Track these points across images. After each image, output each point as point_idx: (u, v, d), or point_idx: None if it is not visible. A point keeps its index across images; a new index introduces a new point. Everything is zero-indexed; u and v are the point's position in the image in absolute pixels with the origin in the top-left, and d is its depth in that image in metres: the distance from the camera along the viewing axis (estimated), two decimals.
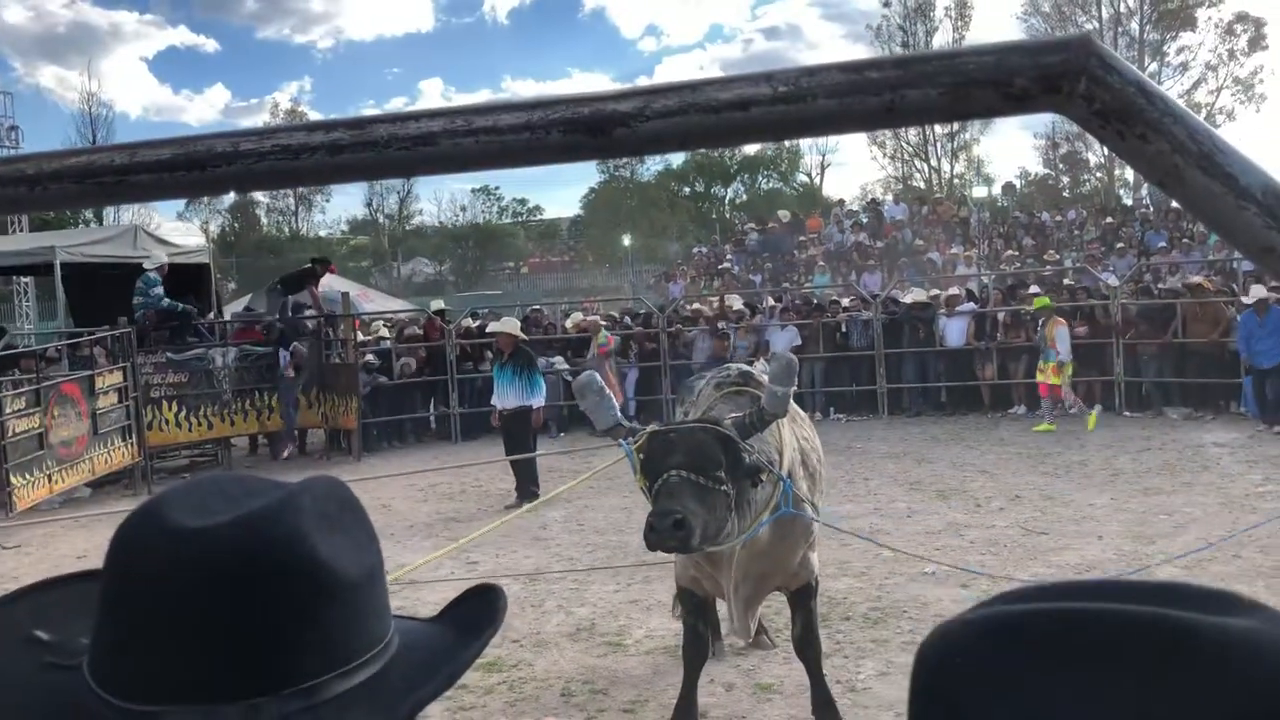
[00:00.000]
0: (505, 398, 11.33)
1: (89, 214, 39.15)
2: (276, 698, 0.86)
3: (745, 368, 5.49)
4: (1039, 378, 14.08)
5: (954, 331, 16.15)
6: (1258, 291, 12.04)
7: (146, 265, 15.18)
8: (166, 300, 15.10)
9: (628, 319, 18.68)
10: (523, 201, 57.01)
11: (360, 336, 16.47)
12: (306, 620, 0.88)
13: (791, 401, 5.70)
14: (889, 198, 33.47)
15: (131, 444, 13.44)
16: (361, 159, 0.80)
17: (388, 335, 17.44)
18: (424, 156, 0.80)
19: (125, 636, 0.88)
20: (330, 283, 17.60)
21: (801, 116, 0.73)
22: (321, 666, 0.88)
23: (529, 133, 0.78)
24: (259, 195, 50.83)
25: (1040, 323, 14.26)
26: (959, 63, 0.71)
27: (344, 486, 0.98)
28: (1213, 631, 0.55)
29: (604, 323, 17.25)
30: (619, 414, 4.76)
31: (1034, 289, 15.47)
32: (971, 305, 16.49)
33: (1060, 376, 13.68)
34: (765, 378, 5.09)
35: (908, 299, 16.63)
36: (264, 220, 51.65)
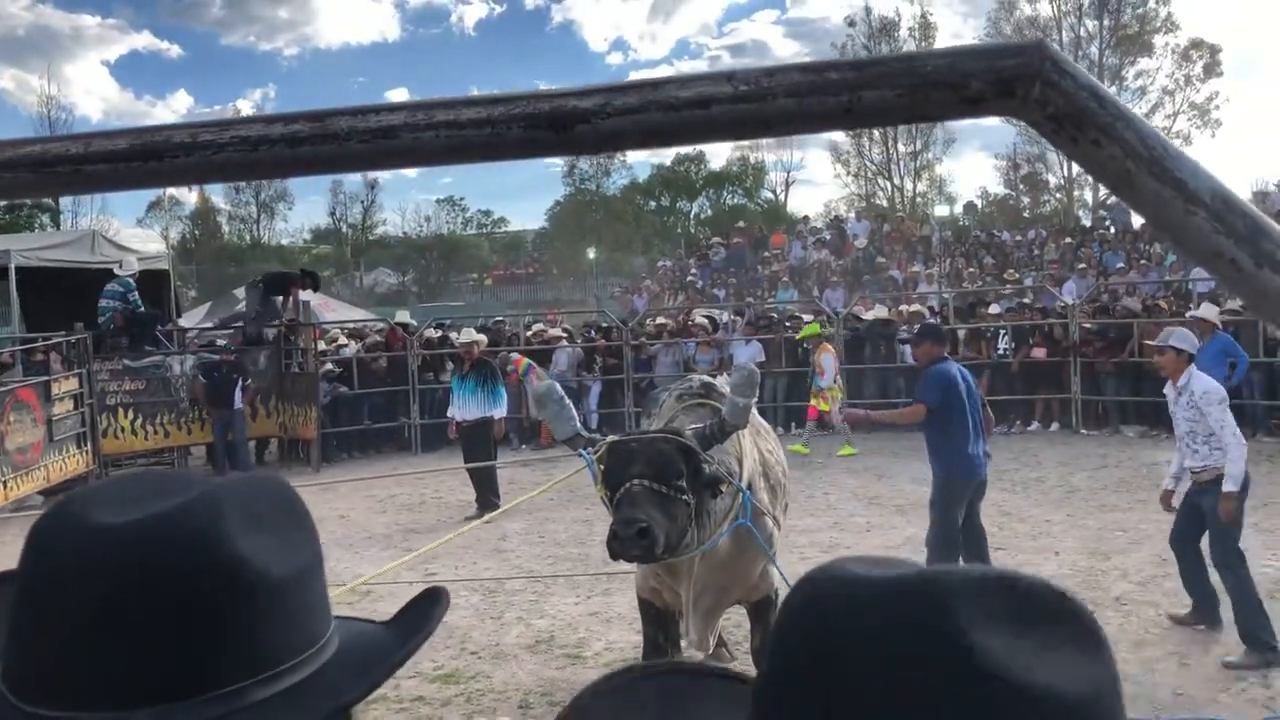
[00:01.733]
0: (467, 408, 11.27)
1: (45, 218, 38.52)
2: (191, 704, 0.82)
3: (708, 379, 5.52)
4: (811, 401, 14.43)
5: None
6: (1207, 311, 12.14)
7: (119, 270, 14.98)
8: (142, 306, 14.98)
9: (591, 332, 18.65)
10: (487, 213, 56.99)
11: (321, 345, 16.33)
12: (222, 622, 0.83)
13: (755, 414, 5.73)
14: (852, 215, 33.84)
15: (87, 452, 13.21)
16: (321, 152, 0.80)
17: (348, 343, 17.29)
18: (384, 150, 0.79)
19: (32, 638, 0.84)
20: (306, 295, 17.44)
21: (761, 115, 0.73)
22: (242, 671, 0.84)
23: (490, 128, 0.78)
24: (220, 201, 50.35)
25: (810, 349, 14.58)
26: (916, 65, 0.72)
27: (282, 486, 0.93)
28: None
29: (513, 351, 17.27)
30: (579, 424, 4.76)
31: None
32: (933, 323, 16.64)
33: (828, 402, 13.98)
34: (727, 389, 5.11)
35: (869, 315, 16.75)
36: (225, 228, 51.17)
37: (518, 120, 0.77)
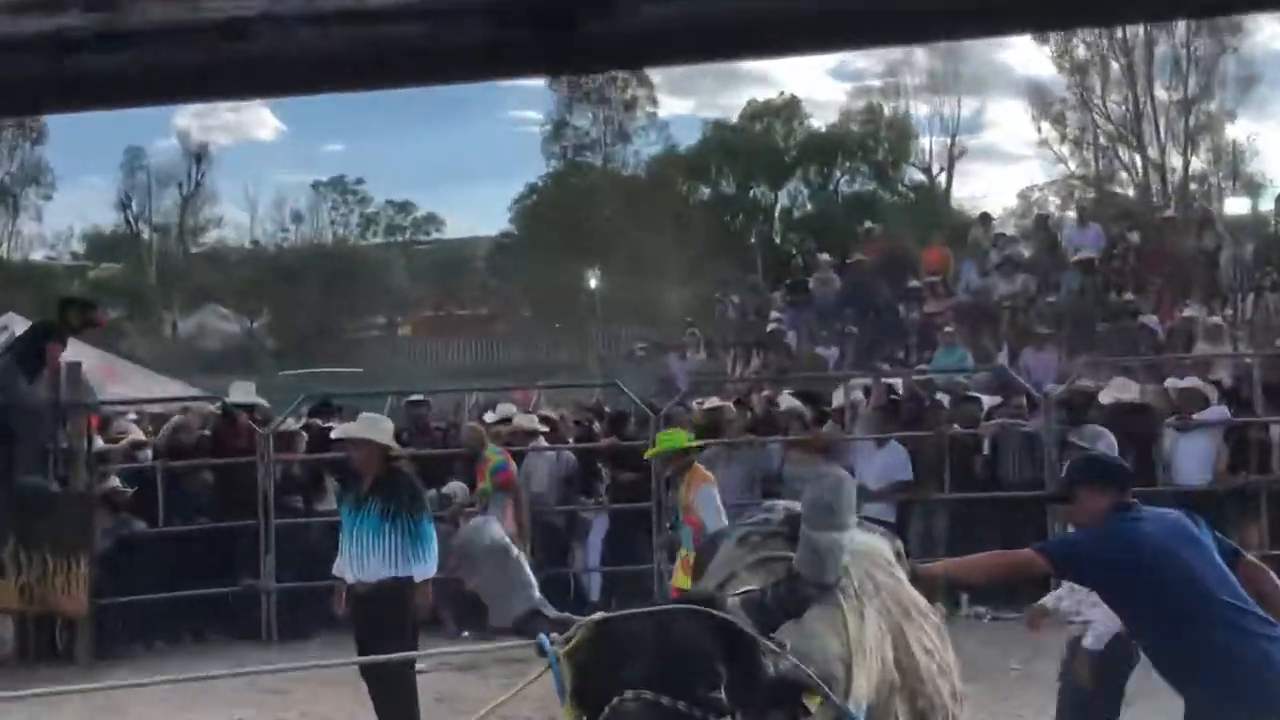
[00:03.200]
0: (366, 562, 11.25)
1: None
2: None
3: (798, 508, 5.50)
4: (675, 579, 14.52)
5: (1191, 457, 16.29)
6: None
7: None
8: None
9: (593, 423, 18.67)
10: (405, 208, 57.69)
11: (99, 443, 16.37)
12: None
13: (901, 582, 5.69)
14: (1071, 214, 33.91)
15: None
16: (108, 64, 0.79)
17: (144, 440, 17.41)
18: (225, 63, 0.78)
19: None
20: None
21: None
22: None
23: (429, 23, 0.77)
24: None
25: (668, 477, 14.69)
26: None
27: None
28: None
29: (514, 429, 17.32)
30: (535, 592, 4.73)
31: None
32: (1223, 412, 16.59)
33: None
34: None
35: (1107, 398, 16.73)
36: None
37: (481, 10, 0.77)
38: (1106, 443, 15.46)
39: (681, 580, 14.46)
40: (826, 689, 4.57)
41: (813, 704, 4.55)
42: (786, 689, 4.45)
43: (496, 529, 4.83)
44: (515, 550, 4.78)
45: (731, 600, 4.52)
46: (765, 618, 4.45)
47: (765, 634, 4.40)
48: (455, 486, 17.09)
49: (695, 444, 14.64)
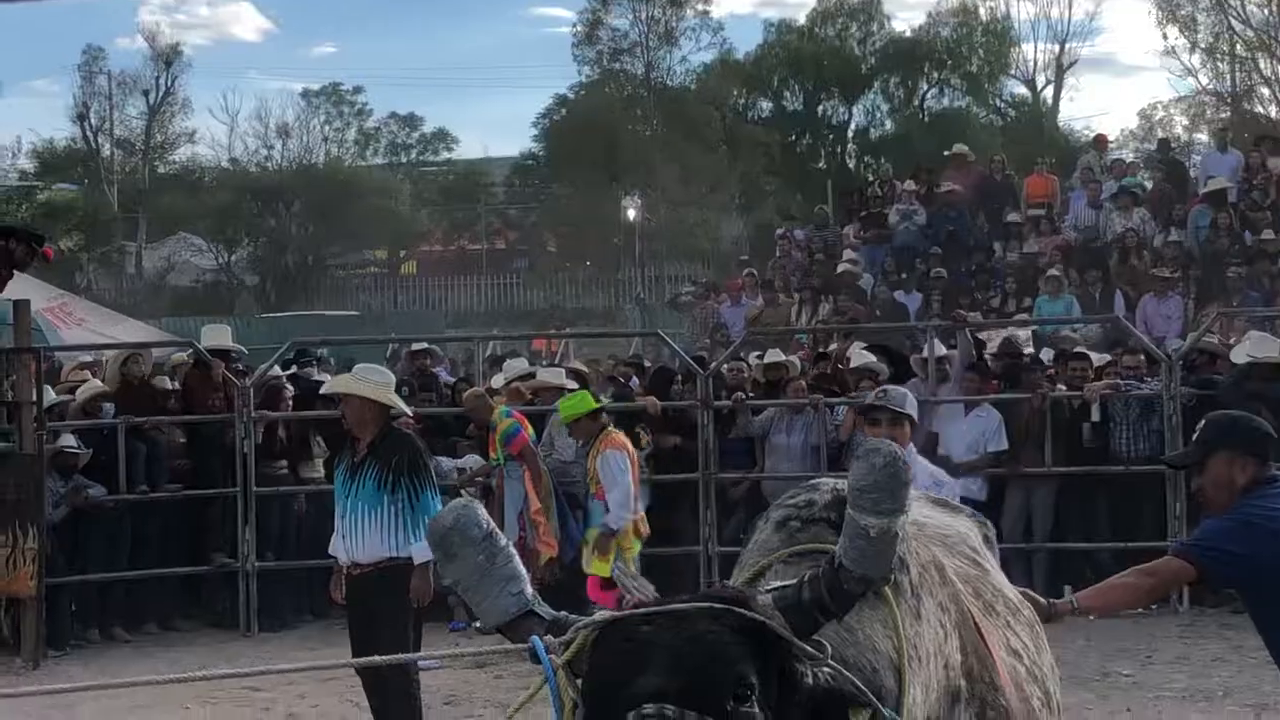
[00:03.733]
0: (360, 540, 11.27)
1: None
2: None
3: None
4: (589, 564, 14.83)
5: None
6: None
7: None
8: None
9: (628, 378, 18.76)
10: (410, 123, 57.52)
11: (50, 395, 16.42)
12: None
13: (993, 571, 5.72)
14: (1200, 136, 33.66)
15: None
16: None
17: (105, 391, 17.47)
18: None
19: None
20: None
21: None
22: None
23: None
24: None
25: (579, 445, 15.14)
26: None
27: None
28: None
29: (512, 392, 17.36)
30: (526, 589, 4.70)
31: None
32: None
33: (606, 561, 14.30)
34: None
35: (1240, 355, 16.65)
36: None
37: None
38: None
39: (597, 565, 14.60)
40: (876, 701, 4.58)
41: (859, 718, 4.54)
42: (828, 701, 4.42)
43: (479, 513, 4.78)
44: (502, 539, 4.74)
45: (763, 598, 4.47)
46: (803, 618, 4.42)
47: (803, 637, 4.39)
48: (470, 460, 17.12)
49: (605, 404, 15.00)
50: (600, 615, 4.50)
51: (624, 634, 4.38)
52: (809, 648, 4.38)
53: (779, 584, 4.60)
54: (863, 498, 4.44)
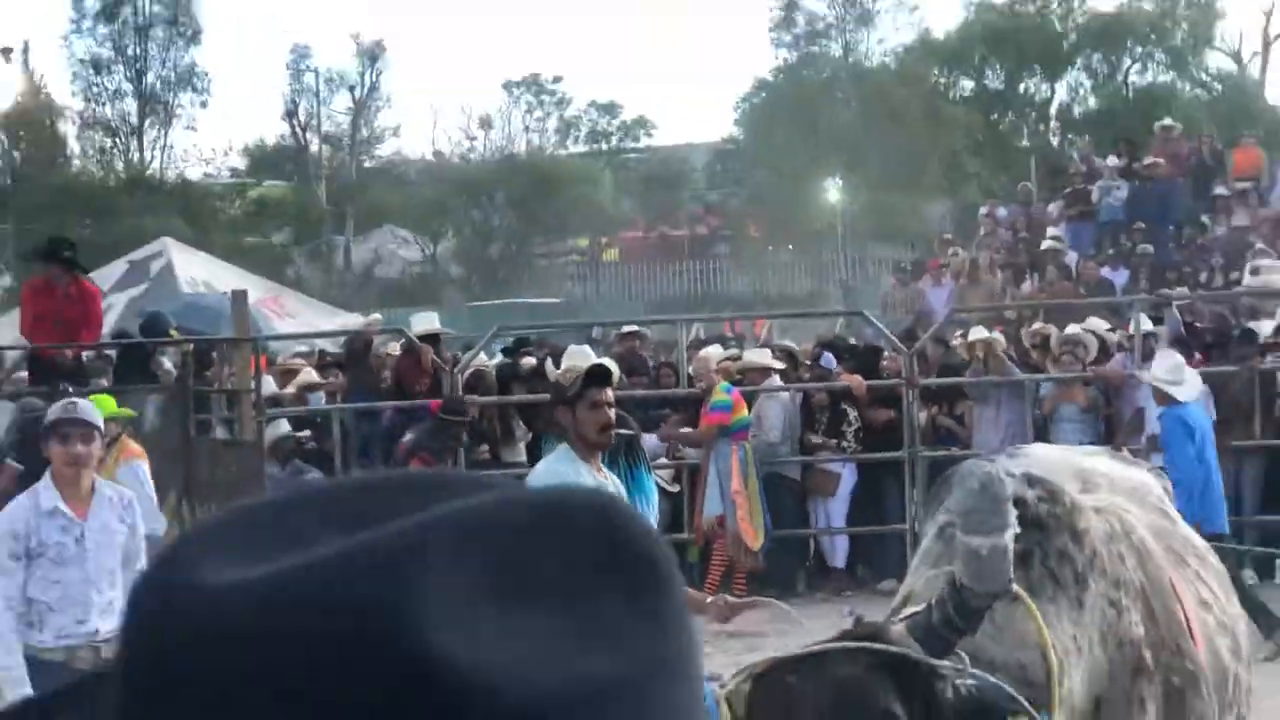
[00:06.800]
0: None
1: None
2: None
3: (1039, 475, 5.46)
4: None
5: None
6: None
7: None
8: None
9: (833, 357, 18.81)
10: (610, 110, 57.54)
11: (269, 385, 16.85)
12: None
13: (1177, 524, 5.80)
14: None
15: None
16: None
17: (318, 383, 17.83)
18: None
19: None
20: (212, 272, 18.14)
21: None
22: None
23: None
24: (66, 89, 52.31)
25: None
26: None
27: (598, 517, 1.09)
28: None
29: (722, 367, 17.47)
30: None
31: None
32: None
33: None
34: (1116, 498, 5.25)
35: None
36: (75, 147, 52.99)
37: None
38: None
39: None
40: (1025, 704, 4.67)
41: None
42: (976, 712, 4.57)
43: None
44: None
45: (897, 628, 4.69)
46: (936, 640, 4.61)
47: (940, 656, 4.57)
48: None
49: (124, 413, 14.62)
50: (750, 664, 4.70)
51: (772, 686, 4.59)
52: (947, 665, 4.56)
53: (912, 610, 4.83)
54: (968, 521, 4.64)
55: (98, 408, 14.55)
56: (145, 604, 1.05)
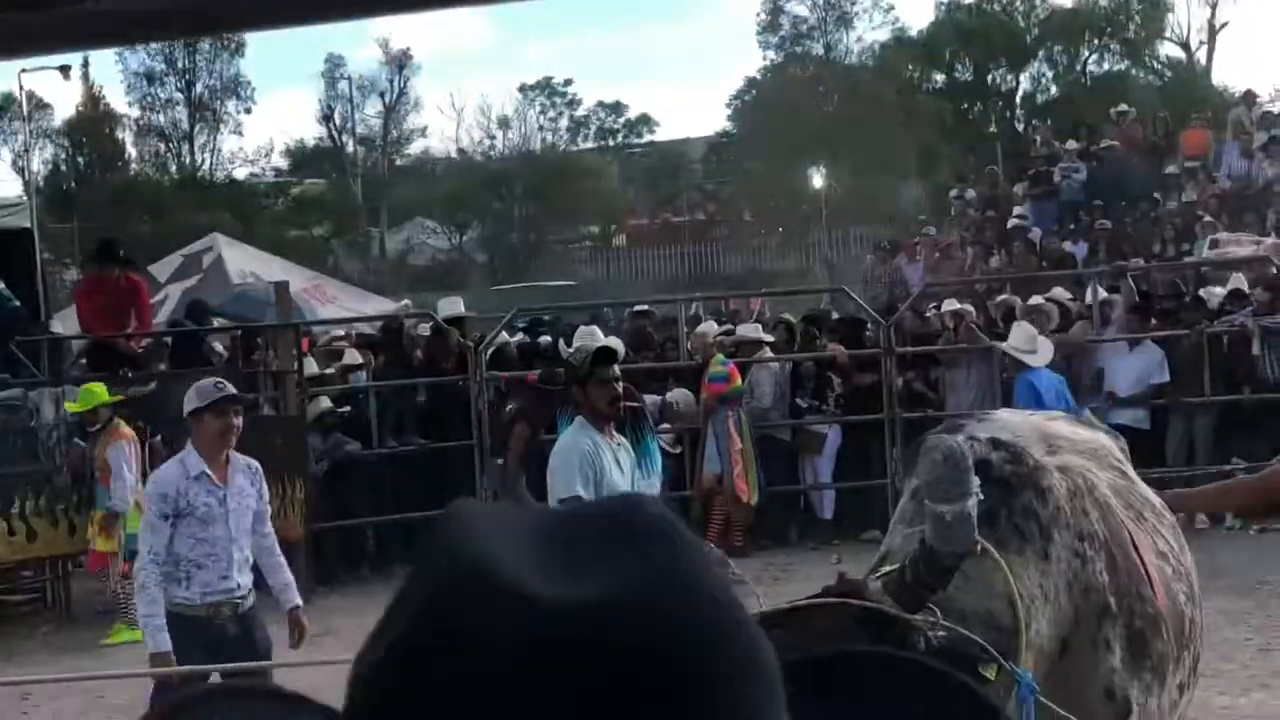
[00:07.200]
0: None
1: None
2: None
3: (1005, 439, 5.44)
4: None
5: None
6: None
7: None
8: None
9: (818, 330, 18.79)
10: (617, 109, 57.78)
11: (311, 366, 16.85)
12: None
13: (1135, 480, 5.75)
14: None
15: None
16: None
17: (357, 360, 17.83)
18: None
19: None
20: (258, 264, 18.08)
21: None
22: None
23: None
24: (121, 99, 52.52)
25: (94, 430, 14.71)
26: None
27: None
28: None
29: (720, 341, 17.48)
30: None
31: None
32: None
33: (111, 539, 14.15)
34: (1079, 459, 5.19)
35: None
36: (132, 151, 53.30)
37: None
38: None
39: (101, 543, 14.59)
40: (995, 653, 4.67)
41: (988, 671, 4.65)
42: (948, 661, 4.49)
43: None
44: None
45: (874, 585, 4.68)
46: (910, 596, 4.61)
47: (914, 611, 4.57)
48: (678, 394, 17.26)
49: (113, 399, 14.80)
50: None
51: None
52: (919, 619, 4.57)
53: (889, 568, 4.81)
54: (933, 489, 4.64)
55: (91, 395, 14.66)
56: (465, 606, 1.08)
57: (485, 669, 1.05)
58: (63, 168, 51.52)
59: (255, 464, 9.24)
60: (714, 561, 1.16)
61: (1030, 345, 15.02)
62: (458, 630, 1.07)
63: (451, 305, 19.38)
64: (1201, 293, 18.45)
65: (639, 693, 1.06)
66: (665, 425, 16.51)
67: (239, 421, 9.00)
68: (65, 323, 19.54)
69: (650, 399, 17.03)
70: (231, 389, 9.27)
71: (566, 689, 1.05)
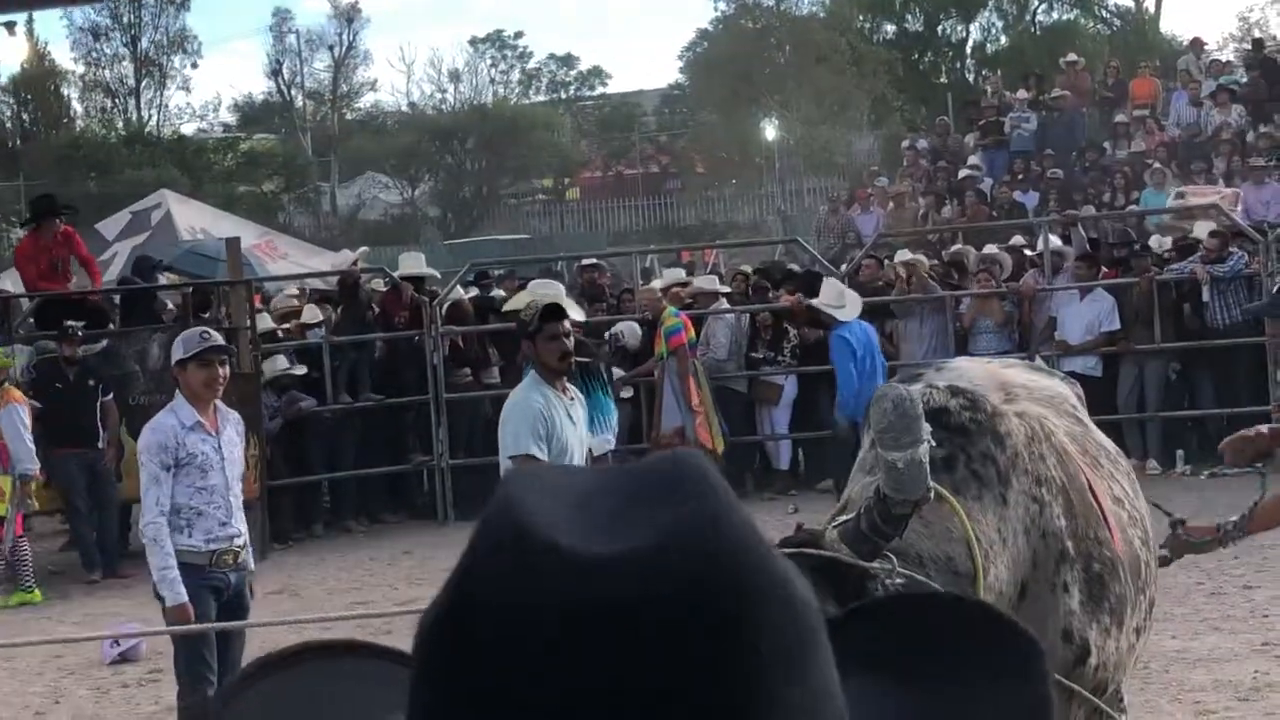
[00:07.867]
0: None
1: None
2: None
3: (957, 381, 5.47)
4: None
5: None
6: None
7: None
8: None
9: (773, 283, 18.78)
10: (568, 62, 57.60)
11: (265, 322, 16.78)
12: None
13: (1092, 431, 5.81)
14: None
15: None
16: None
17: (318, 316, 17.76)
18: None
19: None
20: (208, 220, 17.99)
21: None
22: None
23: None
24: (66, 54, 52.02)
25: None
26: None
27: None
28: None
29: (672, 294, 17.52)
30: None
31: None
32: None
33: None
34: (1035, 406, 5.22)
35: None
36: (78, 107, 52.87)
37: None
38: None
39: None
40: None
41: None
42: None
43: None
44: None
45: (830, 534, 4.74)
46: (865, 544, 4.65)
47: (870, 559, 4.63)
48: (623, 327, 17.25)
49: (4, 363, 14.87)
50: None
51: None
52: (876, 566, 4.63)
53: (846, 516, 4.83)
54: (884, 438, 4.68)
55: None
56: (513, 563, 1.14)
57: (529, 632, 1.10)
58: (8, 125, 51.03)
59: (238, 416, 9.35)
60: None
61: (839, 300, 15.25)
62: (503, 589, 1.13)
63: (413, 262, 19.32)
64: (1151, 242, 18.57)
65: (682, 636, 1.09)
66: (619, 372, 16.51)
67: (225, 371, 8.99)
68: (13, 280, 19.39)
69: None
70: (218, 338, 9.32)
71: (608, 642, 1.09)
